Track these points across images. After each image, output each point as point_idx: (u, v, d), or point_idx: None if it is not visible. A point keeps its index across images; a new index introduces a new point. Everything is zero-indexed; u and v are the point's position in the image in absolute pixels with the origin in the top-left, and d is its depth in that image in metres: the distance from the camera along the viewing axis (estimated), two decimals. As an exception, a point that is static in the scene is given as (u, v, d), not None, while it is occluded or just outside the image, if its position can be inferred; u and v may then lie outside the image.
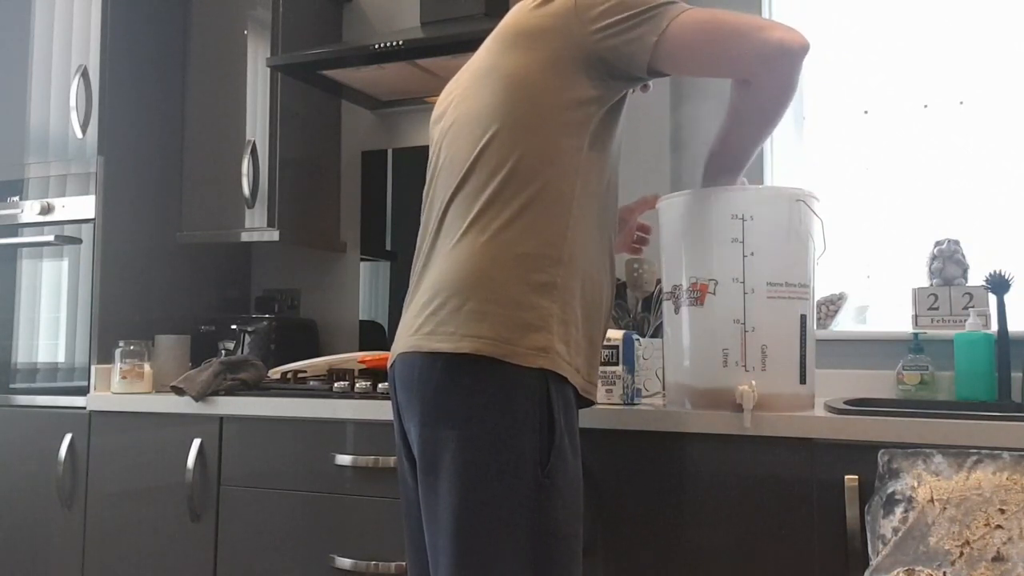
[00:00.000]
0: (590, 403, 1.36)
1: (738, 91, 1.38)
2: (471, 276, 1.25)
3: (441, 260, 1.30)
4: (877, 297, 2.18)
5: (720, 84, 1.45)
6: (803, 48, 1.29)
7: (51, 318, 2.30)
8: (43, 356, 2.31)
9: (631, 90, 1.43)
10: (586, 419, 1.36)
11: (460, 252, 1.28)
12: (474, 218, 1.28)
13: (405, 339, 1.31)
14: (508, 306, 1.24)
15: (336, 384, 1.98)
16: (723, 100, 1.44)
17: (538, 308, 1.25)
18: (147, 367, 2.16)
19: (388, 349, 1.40)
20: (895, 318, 2.12)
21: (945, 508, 1.31)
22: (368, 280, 2.62)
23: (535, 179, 1.28)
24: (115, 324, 2.27)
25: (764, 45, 1.28)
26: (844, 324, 2.14)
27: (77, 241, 2.27)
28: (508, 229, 1.26)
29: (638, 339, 1.76)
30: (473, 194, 1.30)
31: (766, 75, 1.32)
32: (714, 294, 1.53)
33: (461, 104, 1.38)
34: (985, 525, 1.28)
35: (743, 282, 1.51)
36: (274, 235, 2.37)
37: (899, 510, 1.34)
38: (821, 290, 2.03)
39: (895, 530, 1.33)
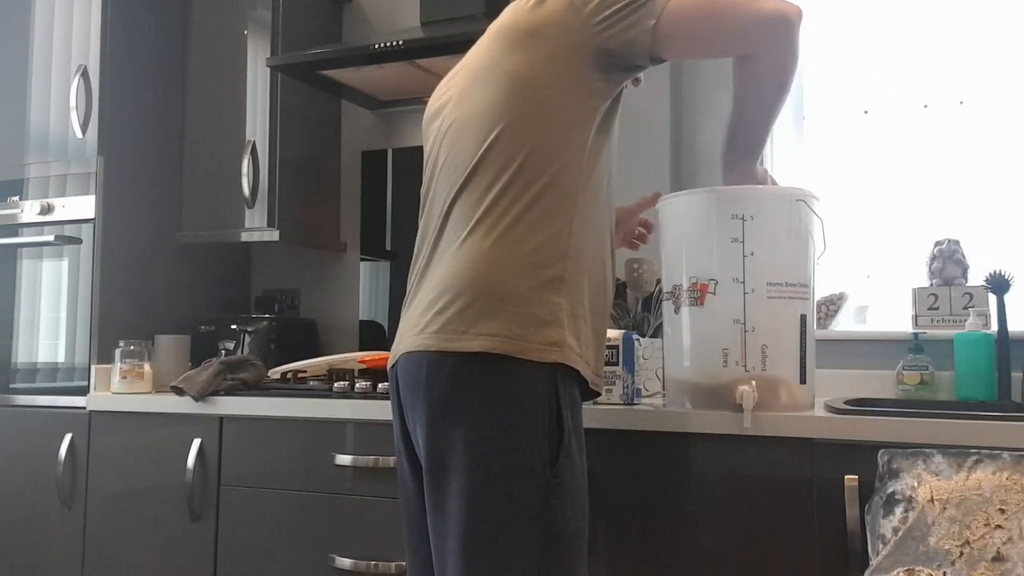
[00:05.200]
0: (596, 395, 1.36)
1: (741, 68, 1.38)
2: (480, 274, 1.25)
3: (447, 259, 1.30)
4: (877, 297, 2.18)
5: (720, 82, 1.45)
6: (798, 14, 1.31)
7: (51, 318, 2.30)
8: (43, 356, 2.31)
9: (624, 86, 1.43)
10: (586, 419, 1.36)
11: (467, 250, 1.27)
12: (481, 216, 1.28)
13: (410, 338, 1.30)
14: (519, 303, 1.24)
15: (336, 384, 1.98)
16: (723, 100, 1.44)
17: (548, 303, 1.25)
18: (147, 367, 2.16)
19: (388, 349, 1.40)
20: (895, 318, 2.12)
21: (945, 508, 1.31)
22: (368, 280, 2.62)
23: (541, 175, 1.28)
24: (115, 324, 2.27)
25: (760, 14, 1.30)
26: (844, 324, 2.14)
27: (77, 241, 2.27)
28: (516, 226, 1.26)
29: (638, 339, 1.76)
30: (479, 193, 1.29)
31: (766, 45, 1.33)
32: (714, 294, 1.53)
33: (461, 104, 1.38)
34: (985, 525, 1.28)
35: (743, 282, 1.51)
36: (274, 235, 2.37)
37: (899, 510, 1.34)
38: (821, 290, 2.03)
39: (895, 530, 1.33)
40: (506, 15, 1.38)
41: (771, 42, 1.32)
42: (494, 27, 1.39)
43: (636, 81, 1.52)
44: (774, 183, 1.58)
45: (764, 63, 1.35)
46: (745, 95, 1.40)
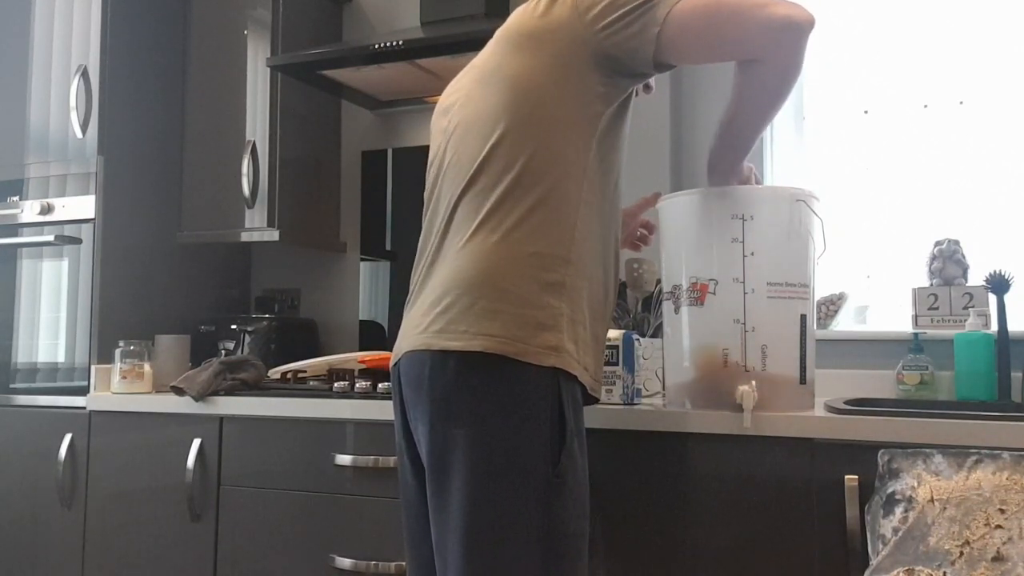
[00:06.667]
0: (595, 400, 1.37)
1: (743, 71, 1.35)
2: (482, 275, 1.26)
3: (450, 259, 1.30)
4: (877, 297, 2.18)
5: (721, 80, 1.44)
6: (810, 22, 1.27)
7: (51, 318, 2.30)
8: (43, 356, 2.31)
9: (635, 92, 1.43)
10: (587, 419, 1.36)
11: (470, 251, 1.28)
12: (484, 217, 1.28)
13: (412, 337, 1.30)
14: (519, 305, 1.24)
15: (336, 384, 1.98)
16: (724, 99, 1.43)
17: (549, 307, 1.25)
18: (147, 367, 2.16)
19: (388, 349, 1.40)
20: (895, 318, 2.12)
21: (945, 508, 1.31)
22: (368, 280, 2.62)
23: (544, 178, 1.28)
24: (115, 324, 2.27)
25: (770, 20, 1.26)
26: (844, 324, 2.14)
27: (77, 241, 2.27)
28: (519, 229, 1.27)
29: (638, 339, 1.76)
30: (483, 193, 1.30)
31: (772, 51, 1.30)
32: (714, 294, 1.53)
33: (467, 105, 1.38)
34: (985, 525, 1.28)
35: (743, 282, 1.51)
36: (274, 235, 2.37)
37: (899, 510, 1.34)
38: (821, 290, 2.03)
39: (895, 530, 1.33)
40: (513, 19, 1.39)
41: (778, 49, 1.29)
42: (501, 30, 1.40)
43: (647, 88, 1.52)
44: (759, 181, 1.59)
45: (768, 68, 1.32)
46: (743, 97, 1.38)
